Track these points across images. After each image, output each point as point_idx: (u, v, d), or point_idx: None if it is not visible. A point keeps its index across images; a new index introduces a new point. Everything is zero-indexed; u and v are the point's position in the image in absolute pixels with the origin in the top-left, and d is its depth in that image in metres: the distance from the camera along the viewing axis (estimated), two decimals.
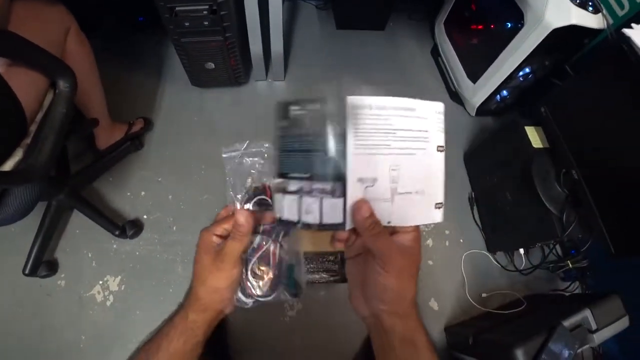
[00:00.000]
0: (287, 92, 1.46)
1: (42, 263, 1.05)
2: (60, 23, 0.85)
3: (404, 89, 1.55)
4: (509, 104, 1.38)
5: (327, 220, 0.34)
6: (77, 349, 1.01)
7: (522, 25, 1.08)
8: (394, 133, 0.35)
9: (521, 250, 1.21)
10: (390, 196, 0.35)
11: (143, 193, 1.21)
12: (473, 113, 1.45)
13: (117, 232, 1.10)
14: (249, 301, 0.46)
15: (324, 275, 1.09)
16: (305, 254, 1.12)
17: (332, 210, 0.34)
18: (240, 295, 0.45)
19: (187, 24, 1.05)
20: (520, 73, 1.20)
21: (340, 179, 0.33)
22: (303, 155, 0.34)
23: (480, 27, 1.36)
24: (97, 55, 1.01)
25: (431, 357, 0.38)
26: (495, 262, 1.27)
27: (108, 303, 1.07)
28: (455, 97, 1.52)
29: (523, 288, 1.24)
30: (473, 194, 1.36)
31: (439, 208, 0.39)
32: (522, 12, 1.07)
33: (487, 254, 1.27)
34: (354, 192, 0.34)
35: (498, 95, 1.33)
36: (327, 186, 0.33)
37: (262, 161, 0.45)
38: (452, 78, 1.49)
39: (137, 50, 1.47)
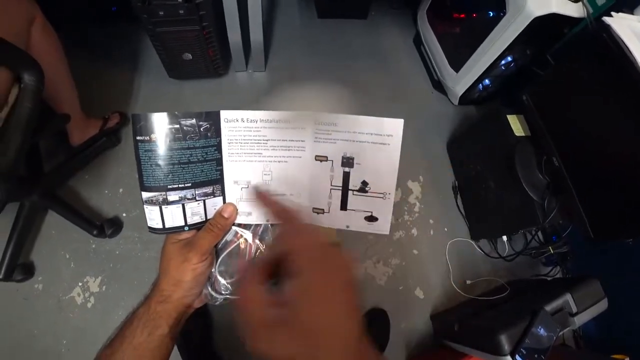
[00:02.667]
0: (267, 83, 1.43)
1: (17, 266, 1.01)
2: (23, 12, 0.80)
3: (386, 78, 1.54)
4: (491, 92, 1.39)
5: (211, 215, 0.41)
6: (58, 354, 0.98)
7: (504, 13, 1.08)
8: (266, 143, 0.39)
9: (504, 238, 1.23)
10: None
11: (121, 190, 1.17)
12: (456, 102, 1.45)
13: (95, 232, 1.06)
14: (218, 297, 0.43)
15: None
16: None
17: (214, 208, 0.41)
18: (209, 289, 0.43)
19: (161, 12, 1.00)
20: (502, 62, 1.20)
21: (219, 182, 0.40)
22: (182, 167, 0.37)
23: (462, 15, 1.36)
24: (69, 47, 0.96)
25: None
26: (479, 250, 1.29)
27: (89, 305, 1.04)
28: (438, 86, 1.52)
29: (506, 274, 1.26)
30: (456, 182, 1.37)
31: (319, 213, 0.42)
32: (503, 1, 1.07)
33: (471, 241, 1.29)
34: (230, 192, 0.41)
35: (480, 84, 1.34)
36: (209, 189, 0.40)
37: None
38: (435, 67, 1.49)
39: (110, 41, 1.40)
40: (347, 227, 0.42)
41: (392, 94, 1.51)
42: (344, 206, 0.42)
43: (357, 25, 1.65)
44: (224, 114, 0.38)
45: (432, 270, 1.24)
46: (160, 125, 0.36)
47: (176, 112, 0.36)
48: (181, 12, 1.01)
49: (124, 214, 1.14)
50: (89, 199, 1.15)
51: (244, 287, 0.28)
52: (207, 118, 0.37)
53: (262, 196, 0.39)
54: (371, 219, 0.42)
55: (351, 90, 1.58)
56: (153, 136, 0.36)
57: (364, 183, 0.41)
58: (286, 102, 1.47)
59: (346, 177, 0.40)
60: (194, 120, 0.36)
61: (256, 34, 1.25)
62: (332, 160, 0.40)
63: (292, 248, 0.27)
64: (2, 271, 0.98)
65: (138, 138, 0.36)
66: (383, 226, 0.42)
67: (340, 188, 0.41)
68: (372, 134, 0.39)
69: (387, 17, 1.70)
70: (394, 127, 0.39)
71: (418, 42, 1.60)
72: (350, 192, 0.41)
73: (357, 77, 1.52)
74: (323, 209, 0.42)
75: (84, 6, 1.37)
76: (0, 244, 0.99)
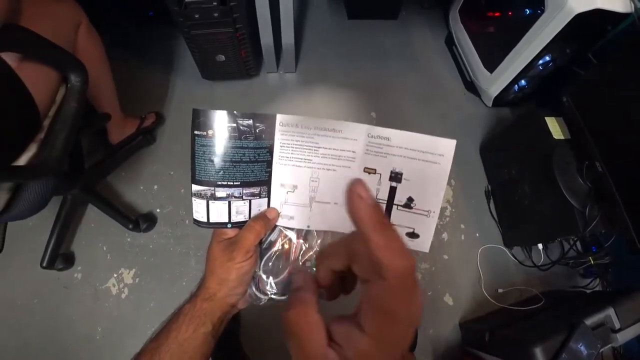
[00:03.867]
0: (298, 84, 1.44)
1: (59, 256, 1.07)
2: (70, 18, 0.85)
3: (417, 80, 1.51)
4: (527, 94, 1.34)
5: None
6: (93, 340, 1.03)
7: (542, 11, 1.03)
8: (317, 150, 0.39)
9: (539, 246, 1.17)
10: (308, 203, 0.41)
11: (155, 187, 1.22)
12: (489, 104, 1.40)
13: (130, 226, 1.11)
14: (263, 297, 0.43)
15: None
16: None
17: (258, 209, 0.41)
18: (253, 290, 0.43)
19: (196, 15, 1.04)
20: (540, 62, 1.15)
21: (266, 183, 0.40)
22: (233, 165, 0.38)
23: (497, 14, 1.32)
24: (108, 50, 1.01)
25: None
26: (512, 257, 1.23)
27: (123, 295, 1.09)
28: (471, 87, 1.48)
29: (541, 284, 1.20)
30: (489, 187, 1.32)
31: None
32: None
33: (504, 248, 1.24)
34: (276, 195, 0.41)
35: (516, 85, 1.29)
36: (256, 190, 0.40)
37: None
38: (468, 68, 1.45)
39: (147, 44, 1.47)
40: None
41: (424, 96, 1.48)
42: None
43: (387, 26, 1.63)
44: (280, 118, 0.38)
45: (462, 276, 1.20)
46: (219, 123, 0.37)
47: (235, 112, 0.36)
48: (215, 14, 1.04)
49: (158, 210, 1.18)
50: (125, 194, 1.20)
51: (300, 308, 0.24)
52: (263, 120, 0.37)
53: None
54: (413, 235, 0.42)
55: (381, 92, 1.56)
56: (210, 132, 0.37)
57: (410, 199, 0.40)
58: (317, 102, 1.46)
59: (392, 191, 0.40)
60: (250, 121, 0.37)
61: (287, 35, 1.26)
62: (381, 174, 0.40)
63: (390, 267, 0.19)
64: (45, 260, 1.05)
65: (196, 132, 0.37)
66: (424, 244, 0.42)
67: (385, 202, 0.40)
68: (424, 152, 0.39)
69: (418, 17, 1.67)
70: (447, 147, 0.38)
71: (450, 42, 1.56)
72: (394, 207, 0.41)
73: (387, 78, 1.50)
74: None
75: (122, 11, 1.44)
76: (44, 234, 1.06)
